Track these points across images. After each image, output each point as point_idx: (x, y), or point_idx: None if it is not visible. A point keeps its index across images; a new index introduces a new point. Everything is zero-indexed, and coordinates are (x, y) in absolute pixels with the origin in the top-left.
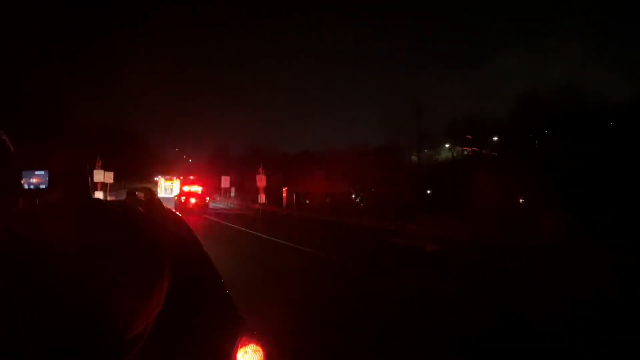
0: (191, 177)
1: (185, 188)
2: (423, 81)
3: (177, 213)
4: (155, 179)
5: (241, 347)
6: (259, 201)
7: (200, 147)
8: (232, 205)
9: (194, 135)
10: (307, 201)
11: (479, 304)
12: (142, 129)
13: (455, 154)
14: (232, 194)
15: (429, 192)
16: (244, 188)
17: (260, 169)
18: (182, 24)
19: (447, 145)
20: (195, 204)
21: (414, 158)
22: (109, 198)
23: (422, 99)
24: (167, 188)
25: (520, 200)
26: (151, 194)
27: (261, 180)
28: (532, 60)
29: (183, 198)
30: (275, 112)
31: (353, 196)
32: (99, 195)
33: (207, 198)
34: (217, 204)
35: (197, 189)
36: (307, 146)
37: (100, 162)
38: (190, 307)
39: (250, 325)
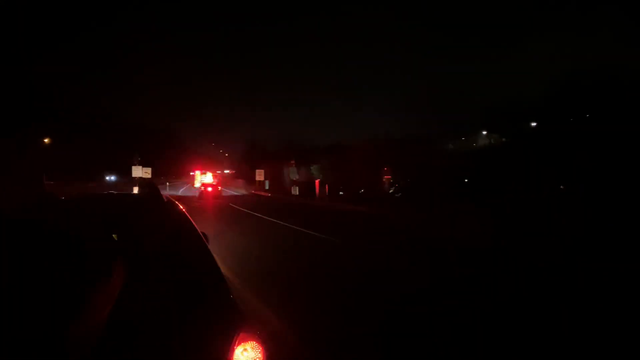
0: (209, 173)
1: (202, 179)
2: (458, 68)
3: (179, 205)
4: (191, 173)
5: (239, 343)
6: (292, 193)
7: (236, 141)
8: (243, 192)
9: (230, 130)
10: (341, 192)
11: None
12: (181, 126)
13: (493, 141)
14: (267, 187)
15: (466, 180)
16: (279, 180)
17: (293, 162)
18: (218, 25)
19: (484, 133)
20: (212, 191)
21: (450, 147)
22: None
23: (457, 87)
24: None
25: (561, 187)
26: (152, 188)
27: (293, 173)
28: (571, 43)
29: (203, 187)
30: (307, 106)
31: (387, 186)
32: (137, 190)
33: (220, 187)
34: (233, 192)
35: (214, 180)
36: (341, 137)
37: (139, 159)
38: (185, 303)
39: (250, 321)
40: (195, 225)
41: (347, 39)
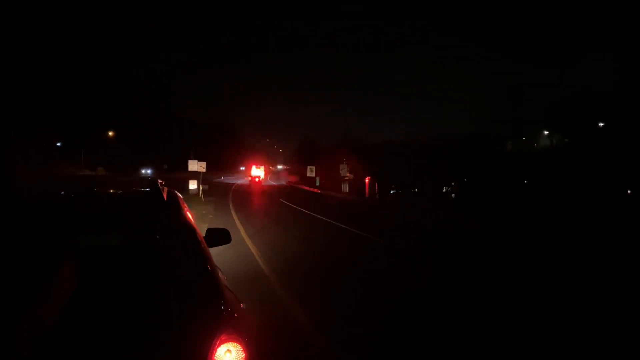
0: (262, 167)
1: (253, 173)
2: (521, 64)
3: (181, 204)
4: (241, 168)
5: (220, 345)
6: (342, 190)
7: (291, 138)
8: (283, 183)
9: (286, 127)
10: (392, 191)
11: None
12: (239, 123)
13: (554, 142)
14: (317, 183)
15: (525, 182)
16: (331, 177)
17: (344, 160)
18: (274, 27)
19: (545, 133)
20: (257, 181)
21: (509, 146)
22: (201, 187)
23: (519, 84)
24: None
25: (628, 192)
26: (152, 186)
27: (344, 170)
28: None
29: (250, 178)
30: (362, 102)
31: (443, 186)
32: (193, 183)
33: (262, 179)
34: (274, 183)
35: (259, 174)
36: (395, 136)
37: (194, 153)
38: (160, 302)
39: (234, 322)
40: (194, 225)
41: (402, 39)
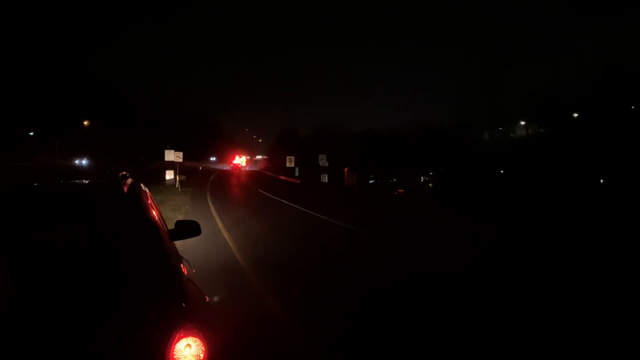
0: (244, 156)
1: (235, 161)
2: (499, 54)
3: (142, 196)
4: (212, 159)
5: (179, 339)
6: (321, 180)
7: (272, 128)
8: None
9: (266, 117)
10: (371, 181)
11: None
12: (217, 112)
13: (530, 131)
14: (297, 173)
15: (502, 171)
16: (310, 167)
17: (323, 150)
18: (253, 18)
19: (522, 123)
20: (238, 168)
21: (486, 136)
22: (177, 177)
23: (497, 74)
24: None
25: (601, 181)
26: (112, 179)
27: (322, 161)
28: (619, 31)
29: (231, 166)
30: (342, 92)
31: (420, 175)
32: (169, 174)
33: (241, 166)
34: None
35: (240, 162)
36: (374, 125)
37: (169, 144)
38: (119, 301)
39: (193, 318)
40: (157, 218)
41: (384, 31)
